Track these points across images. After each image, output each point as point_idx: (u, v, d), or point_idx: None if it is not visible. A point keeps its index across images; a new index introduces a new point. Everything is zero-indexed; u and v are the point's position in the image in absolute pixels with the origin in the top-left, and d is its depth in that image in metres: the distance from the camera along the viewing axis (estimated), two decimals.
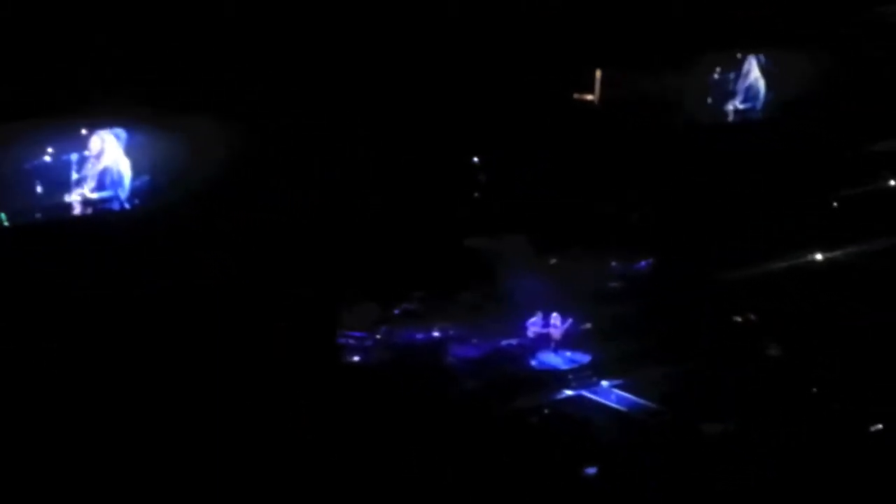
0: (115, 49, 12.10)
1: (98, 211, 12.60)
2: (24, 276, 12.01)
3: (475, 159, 14.97)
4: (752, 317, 14.55)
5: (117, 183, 12.65)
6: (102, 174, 12.58)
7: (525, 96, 14.85)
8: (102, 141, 12.53)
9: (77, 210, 12.51)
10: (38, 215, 12.25)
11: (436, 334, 13.91)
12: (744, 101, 16.77)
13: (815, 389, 12.92)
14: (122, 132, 12.59)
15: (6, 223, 12.11)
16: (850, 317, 14.24)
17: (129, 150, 12.64)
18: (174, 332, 12.36)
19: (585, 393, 13.30)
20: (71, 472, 10.86)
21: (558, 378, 13.59)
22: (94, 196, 12.57)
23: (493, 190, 14.90)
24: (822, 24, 16.42)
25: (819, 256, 15.76)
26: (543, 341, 14.11)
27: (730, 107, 16.70)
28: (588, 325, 14.30)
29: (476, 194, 14.91)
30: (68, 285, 12.14)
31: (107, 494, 10.76)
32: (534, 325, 14.14)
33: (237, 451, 11.31)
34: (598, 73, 15.47)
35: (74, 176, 12.41)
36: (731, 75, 16.68)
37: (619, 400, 13.13)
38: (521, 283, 14.25)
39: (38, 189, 12.19)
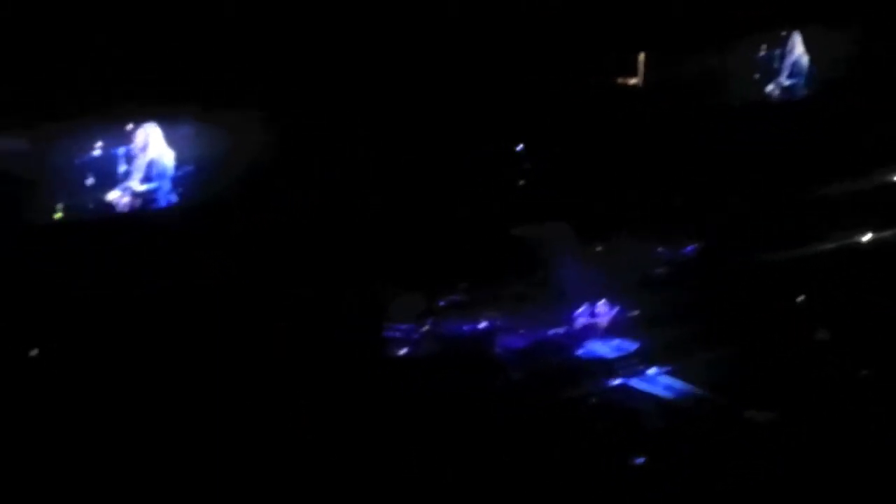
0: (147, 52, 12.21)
1: (145, 204, 12.71)
2: (76, 268, 12.15)
3: (519, 147, 14.92)
4: (800, 301, 14.44)
5: (162, 175, 12.73)
6: (149, 167, 12.66)
7: (566, 82, 14.78)
8: (147, 135, 12.62)
9: (126, 201, 12.60)
10: (90, 206, 12.38)
11: (482, 325, 13.92)
12: (789, 83, 16.57)
13: (864, 372, 12.82)
14: (164, 126, 12.65)
15: (60, 214, 12.24)
16: None
17: (172, 143, 12.71)
18: (221, 322, 12.46)
19: (634, 381, 13.29)
20: (73, 471, 10.95)
21: (606, 366, 13.58)
22: (143, 188, 12.64)
23: (537, 178, 14.84)
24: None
25: (867, 238, 15.59)
26: (590, 329, 14.09)
27: (775, 89, 16.52)
28: (635, 313, 14.26)
29: (520, 182, 14.86)
30: (115, 278, 12.27)
31: (114, 496, 10.84)
32: (580, 314, 14.11)
33: (283, 441, 11.43)
34: (641, 57, 15.35)
35: (122, 168, 12.51)
36: (776, 55, 16.48)
37: (668, 387, 13.09)
38: (567, 272, 14.22)
39: (90, 182, 12.32)
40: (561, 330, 14.07)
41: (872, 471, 11.02)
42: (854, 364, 12.97)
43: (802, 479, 11.00)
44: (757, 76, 16.32)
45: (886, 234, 15.70)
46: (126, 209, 12.57)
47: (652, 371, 13.34)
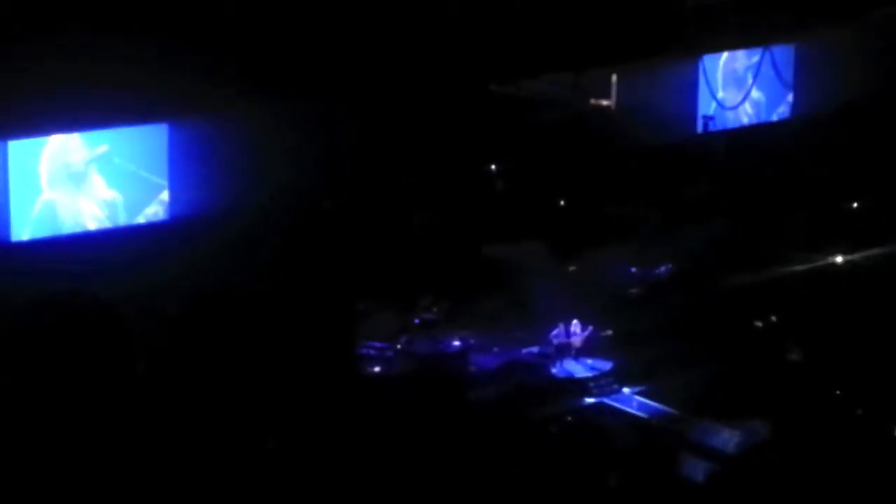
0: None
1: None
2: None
3: (493, 167, 14.97)
4: (774, 320, 14.50)
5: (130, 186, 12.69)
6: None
7: (541, 103, 14.85)
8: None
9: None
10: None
11: (456, 343, 13.93)
12: (765, 105, 16.68)
13: (837, 392, 12.87)
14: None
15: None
16: (871, 319, 14.17)
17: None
18: (189, 340, 12.41)
19: (607, 400, 13.33)
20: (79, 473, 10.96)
21: (579, 386, 13.62)
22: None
23: (512, 198, 14.89)
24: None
25: (839, 259, 15.70)
26: (564, 349, 14.13)
27: (748, 109, 16.60)
28: (608, 333, 14.31)
29: (494, 202, 14.90)
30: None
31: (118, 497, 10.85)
32: (554, 333, 14.14)
33: (261, 462, 11.38)
34: (614, 78, 15.44)
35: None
36: (751, 75, 16.56)
37: (641, 407, 13.13)
38: (541, 291, 14.26)
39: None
40: (535, 349, 14.12)
41: (845, 487, 11.04)
42: (826, 384, 13.02)
43: (776, 496, 11.00)
44: (732, 96, 16.40)
45: (857, 256, 15.80)
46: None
47: (626, 390, 13.37)
